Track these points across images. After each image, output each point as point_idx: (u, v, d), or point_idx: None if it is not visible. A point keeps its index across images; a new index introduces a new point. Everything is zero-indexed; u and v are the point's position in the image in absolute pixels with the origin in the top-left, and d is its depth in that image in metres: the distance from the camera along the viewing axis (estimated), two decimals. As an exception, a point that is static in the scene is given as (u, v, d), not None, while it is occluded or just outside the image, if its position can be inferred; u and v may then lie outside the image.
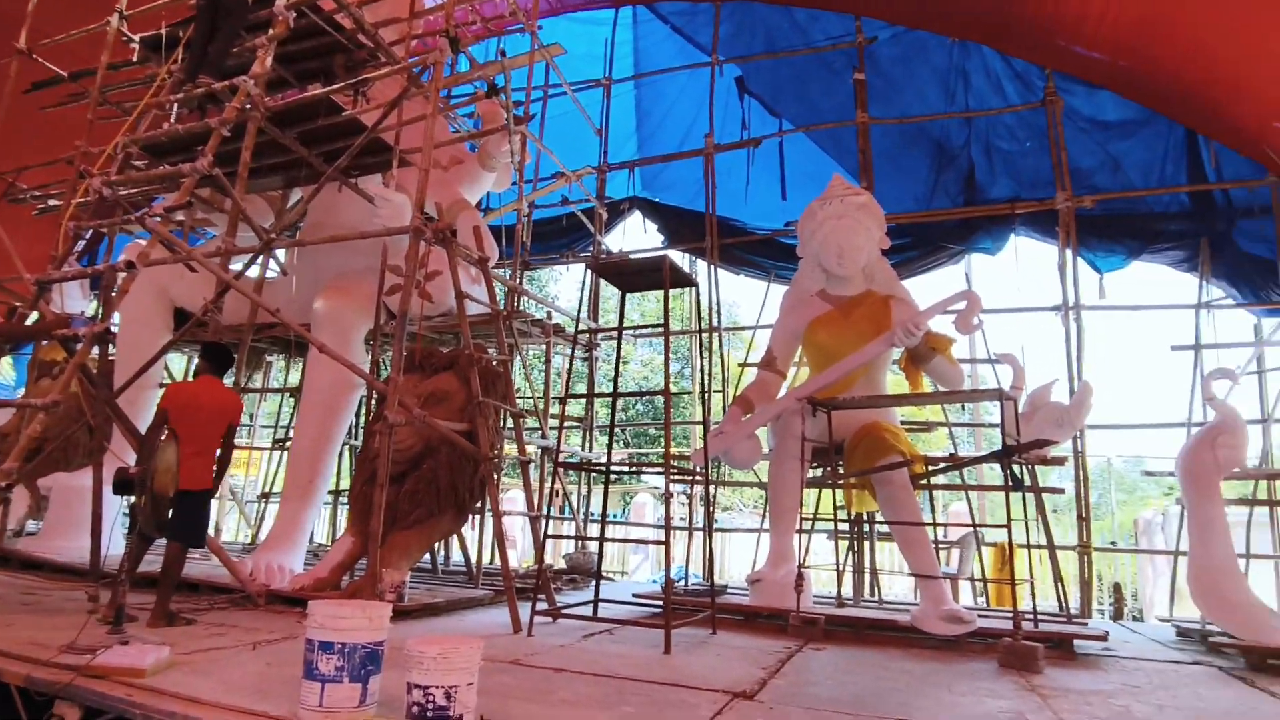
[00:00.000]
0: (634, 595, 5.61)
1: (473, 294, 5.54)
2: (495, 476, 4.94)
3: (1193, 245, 7.29)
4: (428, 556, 6.76)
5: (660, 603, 5.22)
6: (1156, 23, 6.13)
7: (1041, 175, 7.65)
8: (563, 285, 22.81)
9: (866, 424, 5.20)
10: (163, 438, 4.24)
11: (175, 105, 6.64)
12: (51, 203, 8.45)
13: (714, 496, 7.71)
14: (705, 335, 7.34)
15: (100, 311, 5.29)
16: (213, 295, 5.88)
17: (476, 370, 5.08)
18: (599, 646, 4.34)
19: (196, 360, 4.59)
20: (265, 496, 9.22)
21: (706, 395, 7.02)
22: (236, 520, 9.91)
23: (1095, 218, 7.47)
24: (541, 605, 4.79)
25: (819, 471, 5.69)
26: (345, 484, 8.04)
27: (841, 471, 5.33)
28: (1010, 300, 7.72)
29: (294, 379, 9.75)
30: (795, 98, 8.74)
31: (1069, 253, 7.28)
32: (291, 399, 9.06)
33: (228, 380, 4.91)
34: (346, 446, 7.48)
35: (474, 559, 6.46)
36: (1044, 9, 6.76)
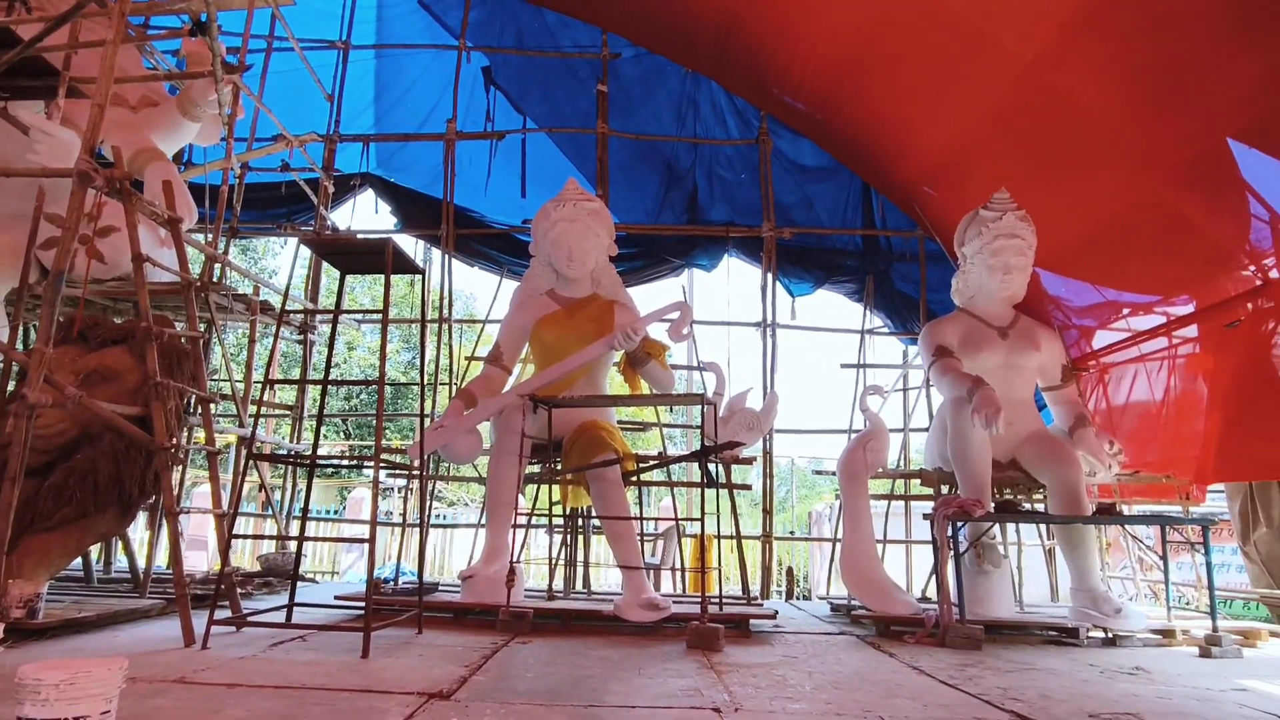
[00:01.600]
0: (336, 597, 5.27)
1: (158, 258, 4.81)
2: (174, 469, 4.31)
3: (861, 279, 8.68)
4: (79, 564, 5.73)
5: (363, 604, 4.97)
6: (844, 84, 7.21)
7: (753, 204, 8.60)
8: (283, 260, 20.80)
9: (584, 422, 5.42)
10: None
11: None
12: None
13: (433, 491, 7.51)
14: (434, 325, 7.12)
15: None
16: None
17: (156, 346, 4.40)
18: (287, 656, 4.00)
19: None
20: None
21: (429, 387, 6.80)
22: None
23: (792, 248, 8.57)
24: (225, 614, 4.29)
25: (538, 468, 5.80)
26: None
27: (559, 468, 5.49)
28: (720, 314, 8.60)
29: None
30: (541, 97, 8.85)
31: (770, 276, 8.28)
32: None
33: None
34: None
35: (143, 564, 5.60)
36: (759, 56, 7.64)
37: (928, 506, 5.55)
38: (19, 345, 5.89)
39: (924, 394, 8.27)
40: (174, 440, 4.47)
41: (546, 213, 5.87)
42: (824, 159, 8.61)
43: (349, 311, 7.34)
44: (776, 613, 5.74)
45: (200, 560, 9.86)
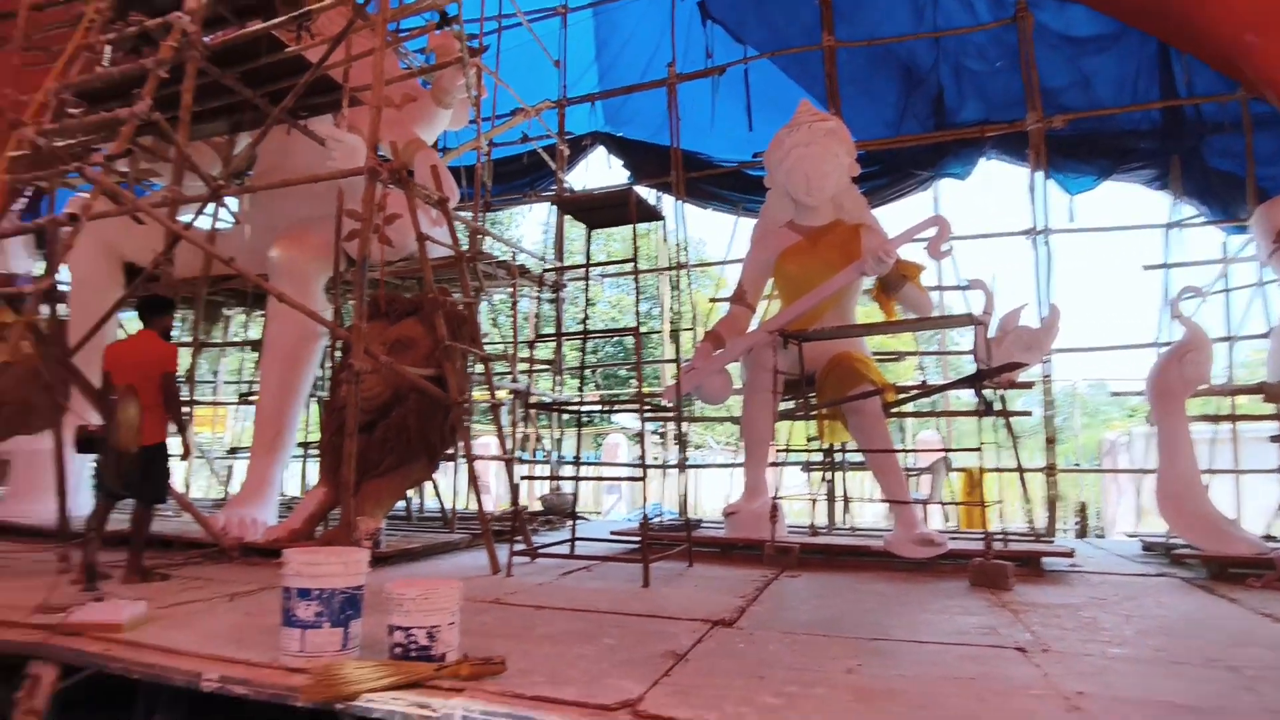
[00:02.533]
0: (611, 533, 5.66)
1: (434, 236, 5.37)
2: (466, 422, 4.88)
3: (1163, 163, 7.28)
4: (401, 504, 6.74)
5: (637, 538, 5.28)
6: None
7: (1011, 96, 7.53)
8: (525, 227, 22.46)
9: (837, 354, 5.20)
10: (118, 395, 4.11)
11: (108, 47, 6.26)
12: (-18, 156, 8.01)
13: (686, 433, 7.75)
14: (674, 272, 7.24)
15: (49, 268, 5.05)
16: (160, 249, 5.65)
17: (442, 314, 4.96)
18: (577, 583, 4.38)
19: None
20: (233, 452, 9.10)
21: (676, 332, 6.95)
22: (206, 477, 9.78)
23: (1065, 138, 7.40)
24: (519, 546, 4.80)
25: (791, 404, 5.71)
26: (315, 435, 7.95)
27: (813, 403, 5.35)
28: (980, 226, 7.75)
29: (254, 332, 9.54)
30: (759, 22, 8.46)
31: (1039, 175, 7.24)
32: (254, 352, 8.87)
33: (175, 331, 4.77)
34: (313, 399, 7.36)
35: (448, 504, 6.46)
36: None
37: (1266, 428, 4.59)
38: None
39: (1259, 294, 6.76)
40: (465, 396, 5.03)
41: (779, 141, 5.63)
42: (1102, 25, 7.23)
43: (602, 264, 7.67)
44: (1073, 551, 5.17)
45: (485, 503, 11.20)
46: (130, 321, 8.65)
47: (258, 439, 6.04)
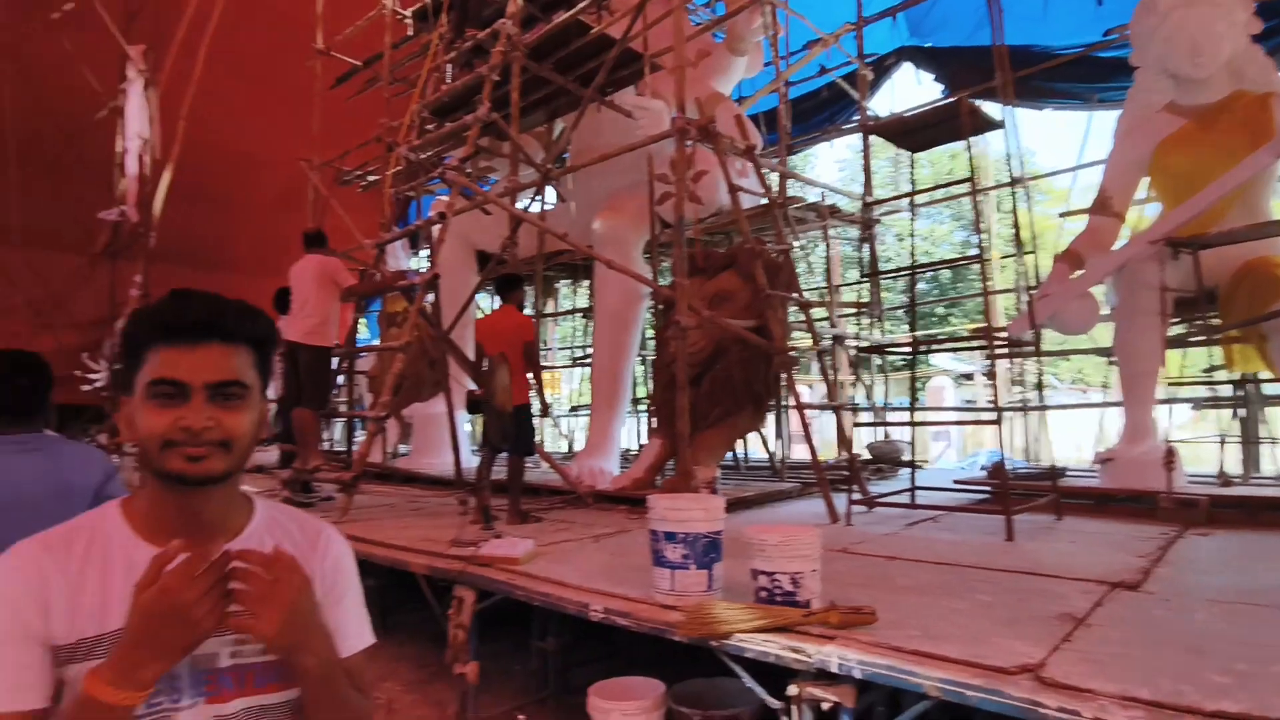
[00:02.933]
0: (954, 482, 5.22)
1: (744, 186, 5.33)
2: (791, 370, 4.81)
3: None
4: (730, 454, 6.93)
5: (986, 488, 4.80)
6: None
7: None
8: (820, 169, 21.67)
9: (1250, 261, 4.14)
10: (491, 363, 4.72)
11: (449, 65, 7.21)
12: (370, 178, 9.81)
13: (1040, 370, 6.87)
14: (1005, 190, 6.36)
15: (429, 261, 6.00)
16: (506, 234, 6.39)
17: (760, 263, 4.92)
18: (927, 534, 4.10)
19: None
20: (574, 410, 10.15)
21: (1021, 253, 6.09)
22: (552, 433, 11.08)
23: None
24: (856, 496, 4.63)
25: (1182, 327, 4.70)
26: (641, 393, 8.52)
27: (1216, 324, 4.34)
28: None
29: (580, 301, 10.49)
30: None
31: None
32: (583, 319, 9.77)
33: (528, 307, 5.36)
34: (637, 358, 7.87)
35: (775, 453, 6.49)
36: None
37: None
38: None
39: None
40: (788, 344, 4.95)
41: (1151, 5, 4.57)
42: None
43: (932, 188, 6.98)
44: None
45: (803, 451, 11.13)
46: (482, 300, 10.06)
47: (596, 397, 6.62)
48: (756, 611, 2.57)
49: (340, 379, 7.65)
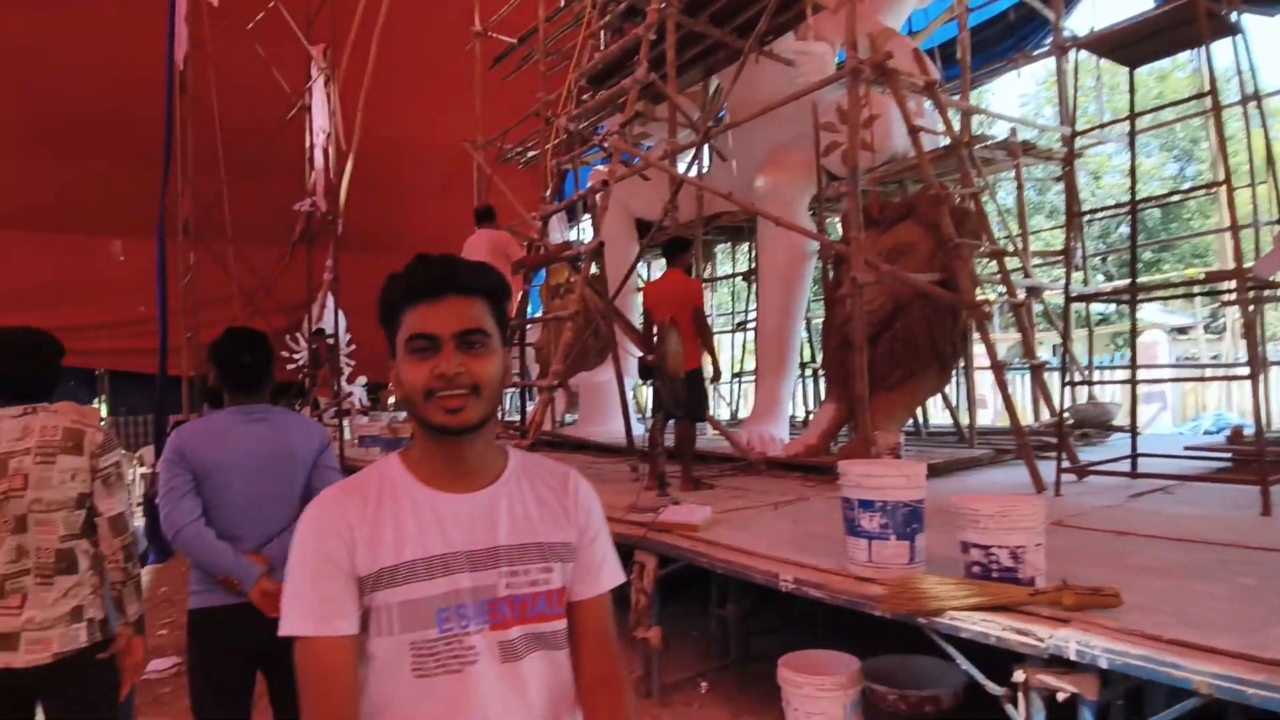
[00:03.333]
0: (1185, 448, 4.58)
1: (924, 127, 4.89)
2: (984, 325, 4.37)
3: None
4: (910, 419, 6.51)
5: (1231, 454, 4.16)
6: None
7: None
8: (996, 104, 19.78)
9: None
10: (661, 329, 4.66)
11: (602, 31, 7.17)
12: (530, 154, 10.07)
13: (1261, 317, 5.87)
14: (1244, 105, 5.40)
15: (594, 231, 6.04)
16: (665, 199, 6.29)
17: (945, 210, 4.50)
18: (1158, 507, 3.61)
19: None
20: (736, 376, 9.99)
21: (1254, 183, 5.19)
22: (714, 399, 10.98)
23: None
24: (1065, 464, 4.16)
25: None
26: (806, 358, 8.21)
27: None
28: None
29: (740, 264, 10.25)
30: None
31: None
32: (743, 282, 9.54)
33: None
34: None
35: (961, 418, 6.02)
36: None
37: None
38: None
39: None
40: (981, 297, 4.52)
41: None
42: None
43: (1158, 108, 6.05)
44: None
45: (983, 416, 10.30)
46: (640, 268, 10.07)
47: (763, 361, 6.43)
48: (972, 588, 2.33)
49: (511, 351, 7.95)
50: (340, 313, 9.32)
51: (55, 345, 2.06)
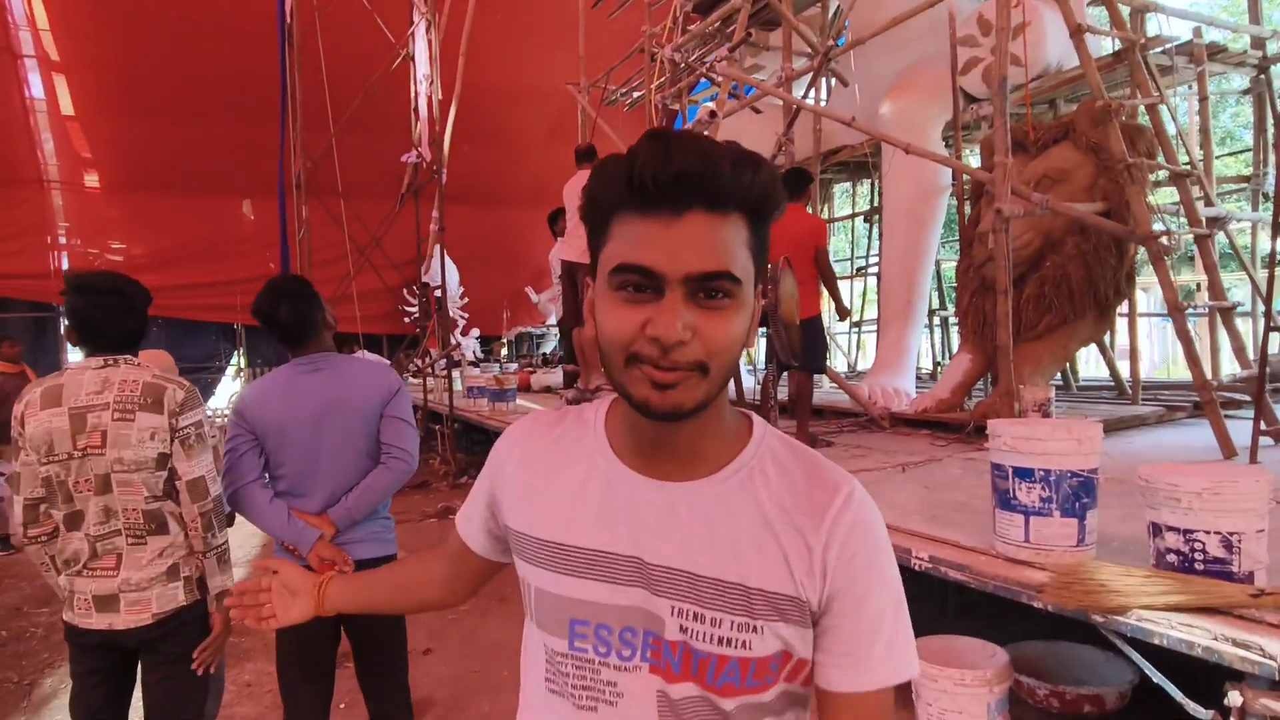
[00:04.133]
0: None
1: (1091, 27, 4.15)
2: (1163, 261, 3.68)
3: None
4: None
5: None
6: None
7: None
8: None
9: None
10: (774, 270, 4.25)
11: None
12: (636, 95, 9.65)
13: None
14: None
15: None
16: (778, 134, 5.78)
17: (1114, 127, 3.79)
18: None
19: None
20: (856, 325, 9.38)
21: None
22: (832, 350, 10.41)
23: None
24: (1261, 426, 3.49)
25: None
26: (934, 305, 7.54)
27: None
28: None
29: (860, 204, 9.53)
30: None
31: None
32: (865, 224, 8.86)
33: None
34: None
35: (1122, 369, 5.28)
36: None
37: None
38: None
39: None
40: (1163, 227, 3.83)
41: None
42: None
43: None
44: None
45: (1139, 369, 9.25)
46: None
47: (887, 308, 5.88)
48: (1169, 582, 1.88)
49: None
50: (451, 264, 9.38)
51: (141, 293, 1.92)
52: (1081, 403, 5.24)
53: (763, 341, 4.88)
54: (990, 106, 4.40)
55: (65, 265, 12.38)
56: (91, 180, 12.41)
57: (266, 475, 1.98)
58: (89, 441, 1.74)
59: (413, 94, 8.42)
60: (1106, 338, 5.57)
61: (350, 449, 1.98)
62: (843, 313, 4.62)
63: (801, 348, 4.25)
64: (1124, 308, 4.98)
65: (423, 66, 8.13)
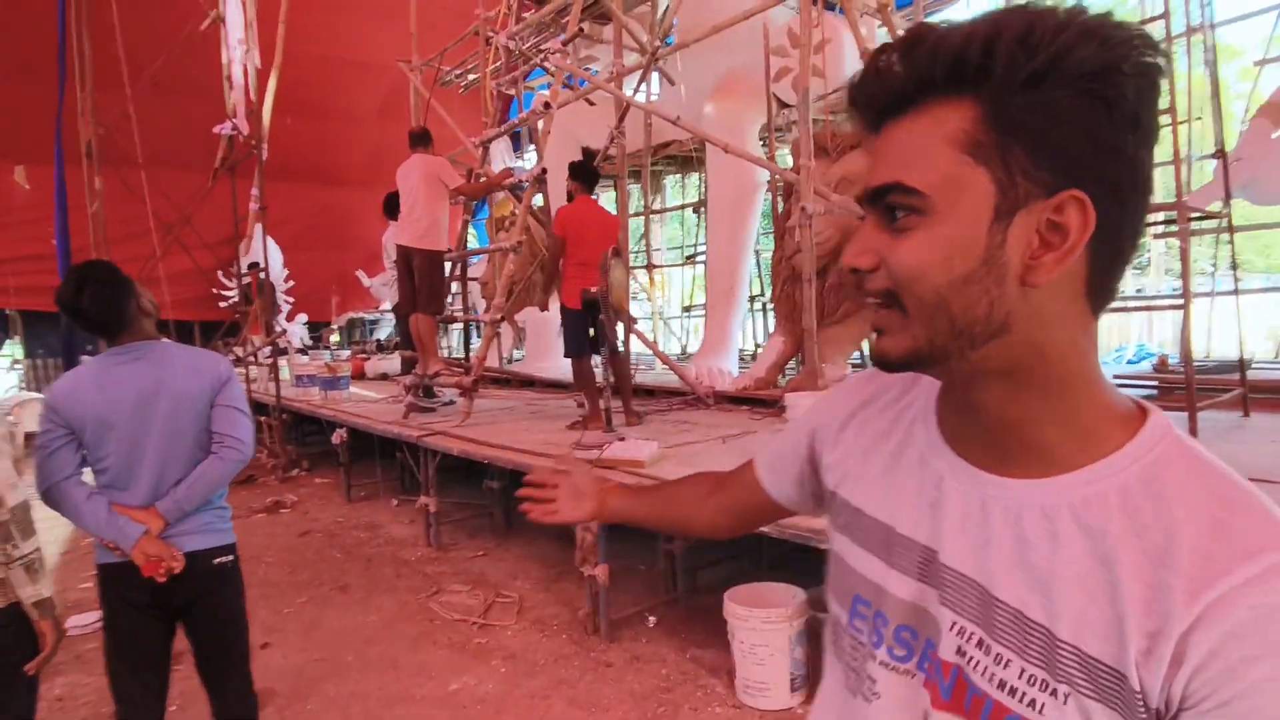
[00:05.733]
0: (1114, 377, 4.69)
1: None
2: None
3: None
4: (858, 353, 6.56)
5: (1155, 382, 4.27)
6: None
7: None
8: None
9: None
10: (604, 261, 4.50)
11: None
12: (470, 77, 9.54)
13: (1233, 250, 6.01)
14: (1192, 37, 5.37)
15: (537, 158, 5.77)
16: (610, 126, 6.03)
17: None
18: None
19: (567, 184, 4.72)
20: (686, 310, 9.92)
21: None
22: (663, 334, 10.95)
23: None
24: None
25: None
26: (755, 291, 8.17)
27: None
28: None
29: (690, 195, 10.07)
30: None
31: None
32: (694, 214, 9.38)
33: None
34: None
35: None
36: None
37: None
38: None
39: None
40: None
41: None
42: None
43: None
44: None
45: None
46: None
47: (712, 294, 6.35)
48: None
49: (454, 285, 7.71)
50: (274, 245, 8.83)
51: None
52: (874, 379, 5.97)
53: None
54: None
55: None
56: None
57: (84, 471, 1.91)
58: None
59: (225, 60, 7.83)
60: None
61: (178, 439, 1.94)
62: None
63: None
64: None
65: (236, 31, 7.59)
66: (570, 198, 4.78)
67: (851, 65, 5.33)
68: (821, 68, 5.28)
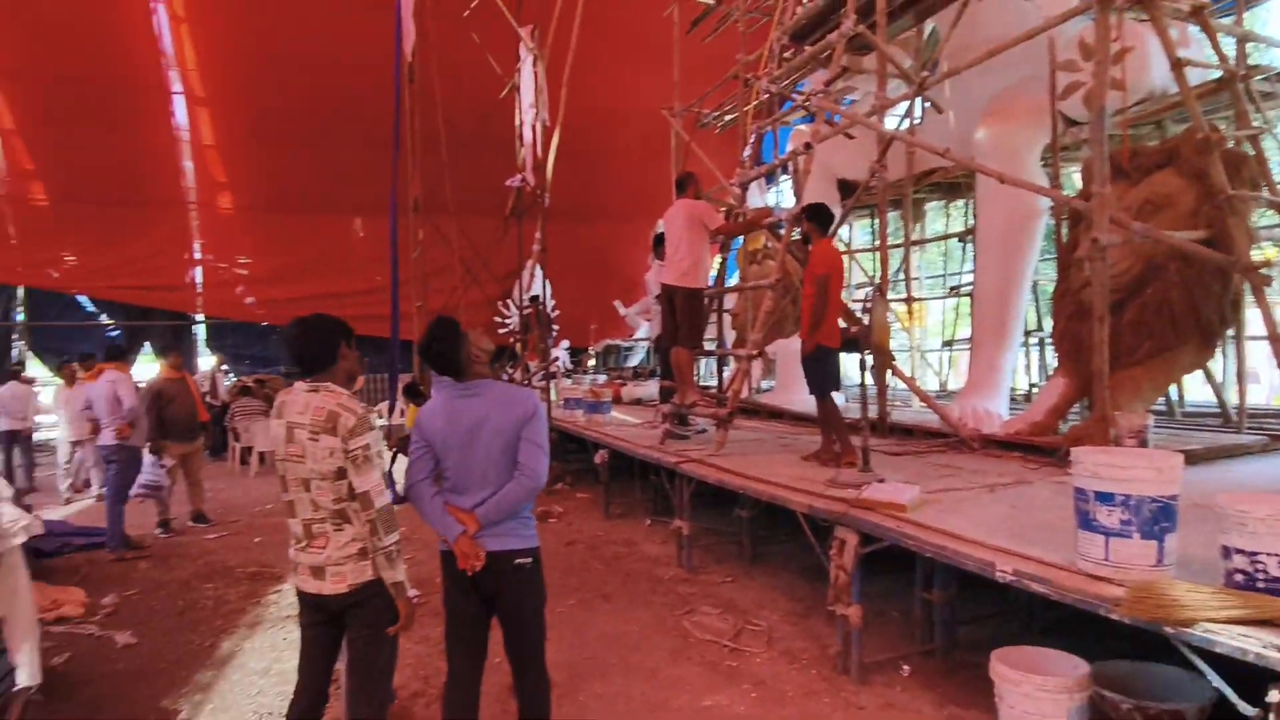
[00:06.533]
0: None
1: (1189, 59, 4.18)
2: (1262, 290, 3.69)
3: None
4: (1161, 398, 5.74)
5: None
6: None
7: None
8: (1277, 27, 16.44)
9: None
10: (869, 299, 4.42)
11: (804, -18, 6.82)
12: (728, 118, 9.93)
13: None
14: None
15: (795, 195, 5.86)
16: (870, 159, 5.92)
17: (1215, 156, 3.83)
18: None
19: (804, 225, 4.78)
20: (947, 344, 9.32)
21: None
22: (922, 370, 10.36)
23: None
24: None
25: None
26: (1031, 325, 7.47)
27: None
28: None
29: (955, 224, 9.49)
30: None
31: None
32: (959, 242, 8.83)
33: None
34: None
35: (1228, 396, 5.19)
36: None
37: None
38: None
39: None
40: (1259, 257, 3.83)
41: None
42: None
43: None
44: None
45: (1253, 394, 8.81)
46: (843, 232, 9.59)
47: (980, 329, 5.94)
48: (1232, 598, 2.05)
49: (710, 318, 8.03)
50: (542, 277, 9.88)
51: (334, 325, 2.29)
52: (1184, 430, 5.17)
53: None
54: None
55: (199, 278, 13.76)
56: (224, 202, 13.77)
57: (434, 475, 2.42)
58: (293, 451, 2.18)
59: (518, 121, 8.98)
60: (1220, 364, 5.47)
61: (494, 464, 2.35)
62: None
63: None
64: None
65: (528, 95, 8.68)
66: (806, 240, 4.85)
67: (1160, 72, 4.74)
68: (1121, 79, 4.77)
